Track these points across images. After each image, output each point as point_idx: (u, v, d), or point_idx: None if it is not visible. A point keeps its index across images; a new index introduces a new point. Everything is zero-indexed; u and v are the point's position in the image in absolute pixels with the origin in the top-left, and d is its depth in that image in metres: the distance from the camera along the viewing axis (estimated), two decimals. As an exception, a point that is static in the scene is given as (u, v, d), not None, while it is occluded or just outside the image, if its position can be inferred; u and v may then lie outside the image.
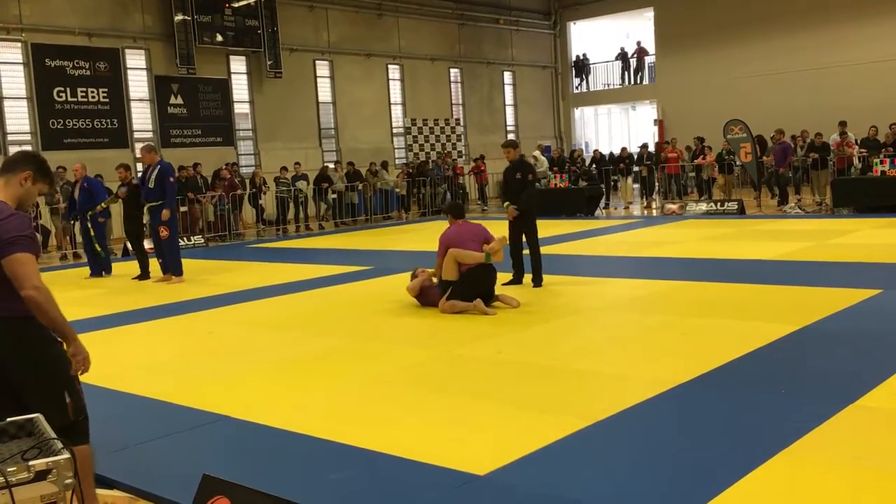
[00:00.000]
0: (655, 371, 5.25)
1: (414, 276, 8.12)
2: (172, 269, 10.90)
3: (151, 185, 10.79)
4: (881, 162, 15.18)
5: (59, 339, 3.29)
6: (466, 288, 7.49)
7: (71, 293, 10.37)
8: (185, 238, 16.06)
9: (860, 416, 4.20)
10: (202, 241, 16.15)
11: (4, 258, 3.20)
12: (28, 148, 17.36)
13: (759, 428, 4.12)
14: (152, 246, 11.67)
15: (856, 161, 17.68)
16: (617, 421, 4.34)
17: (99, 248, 11.74)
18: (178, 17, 19.07)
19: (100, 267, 11.89)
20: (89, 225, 11.75)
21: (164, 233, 10.76)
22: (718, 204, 17.04)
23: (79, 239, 13.56)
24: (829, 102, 21.86)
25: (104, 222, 12.00)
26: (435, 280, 7.89)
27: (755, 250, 10.67)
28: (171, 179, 10.82)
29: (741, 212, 16.29)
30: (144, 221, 11.99)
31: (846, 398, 4.42)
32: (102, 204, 11.97)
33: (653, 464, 3.77)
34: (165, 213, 10.67)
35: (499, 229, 8.41)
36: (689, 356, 5.55)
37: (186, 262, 12.40)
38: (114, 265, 12.29)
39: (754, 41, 24.42)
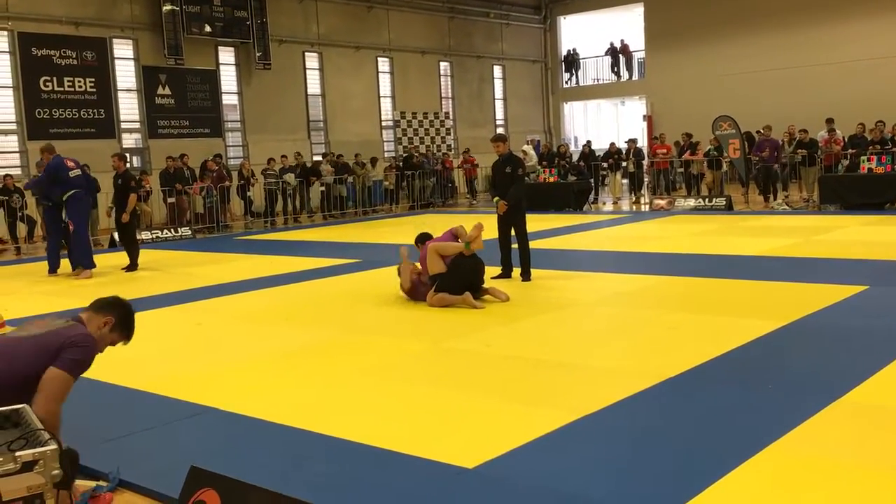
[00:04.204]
0: (643, 365, 5.27)
1: (400, 257, 8.13)
2: (82, 261, 10.75)
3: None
4: (868, 160, 15.28)
5: None
6: (454, 279, 7.48)
7: (58, 284, 10.31)
8: (172, 230, 15.99)
9: (847, 412, 4.22)
10: (189, 232, 16.07)
11: (53, 366, 3.37)
12: (14, 137, 17.24)
13: (746, 423, 4.13)
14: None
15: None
16: (605, 414, 4.35)
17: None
18: (167, 7, 18.94)
19: (57, 262, 11.14)
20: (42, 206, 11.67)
21: (70, 226, 10.72)
22: (706, 200, 17.11)
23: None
24: (817, 100, 21.97)
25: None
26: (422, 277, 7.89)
27: (743, 246, 10.71)
28: (42, 174, 11.17)
29: (729, 207, 16.35)
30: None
31: (833, 394, 4.44)
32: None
33: (641, 458, 3.78)
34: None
35: (487, 223, 8.40)
36: (677, 351, 5.57)
37: (174, 254, 12.35)
38: (102, 256, 12.14)
39: (743, 38, 24.49)
